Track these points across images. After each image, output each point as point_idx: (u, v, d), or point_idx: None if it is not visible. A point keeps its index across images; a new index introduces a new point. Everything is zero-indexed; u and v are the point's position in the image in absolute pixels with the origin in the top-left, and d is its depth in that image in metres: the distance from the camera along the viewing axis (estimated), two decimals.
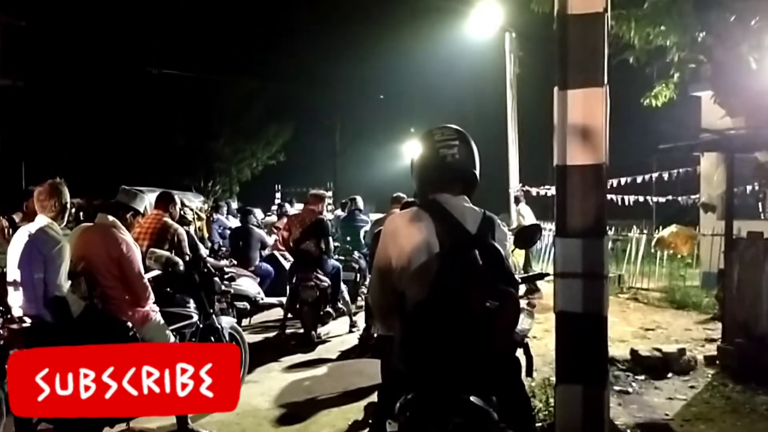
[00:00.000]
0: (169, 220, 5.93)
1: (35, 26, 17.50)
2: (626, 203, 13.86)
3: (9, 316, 3.94)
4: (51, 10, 18.80)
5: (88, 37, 19.92)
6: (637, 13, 6.98)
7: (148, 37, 20.78)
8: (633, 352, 6.25)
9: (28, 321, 3.88)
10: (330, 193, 28.00)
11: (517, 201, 11.98)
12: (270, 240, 9.74)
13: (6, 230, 6.32)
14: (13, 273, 4.00)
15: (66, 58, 19.66)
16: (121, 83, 21.05)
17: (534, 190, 14.43)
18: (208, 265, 5.36)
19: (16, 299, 3.98)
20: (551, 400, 4.43)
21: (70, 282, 4.04)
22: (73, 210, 6.98)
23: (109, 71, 20.67)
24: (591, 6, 3.53)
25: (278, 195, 23.58)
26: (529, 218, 11.27)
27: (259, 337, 7.82)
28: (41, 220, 4.04)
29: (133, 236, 5.25)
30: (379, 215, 10.03)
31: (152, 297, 4.44)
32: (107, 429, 4.14)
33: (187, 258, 5.52)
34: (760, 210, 12.21)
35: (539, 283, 10.03)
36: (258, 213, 11.26)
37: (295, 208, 12.14)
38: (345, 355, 7.08)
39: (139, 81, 21.05)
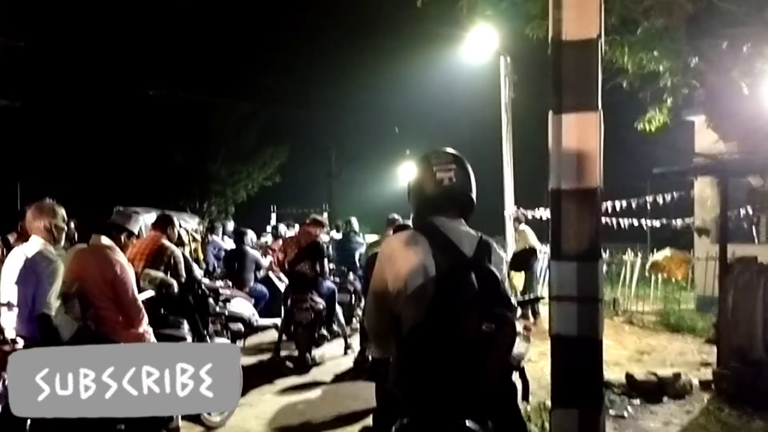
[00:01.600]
0: (167, 242, 5.91)
1: (33, 47, 17.60)
2: (621, 227, 13.88)
3: (2, 337, 3.91)
4: (49, 31, 18.93)
5: (85, 57, 20.04)
6: (631, 39, 7.06)
7: (145, 58, 20.92)
8: (628, 376, 6.23)
9: (21, 342, 3.85)
10: (325, 215, 28.02)
11: (518, 221, 11.89)
12: (265, 262, 9.72)
13: (1, 250, 6.30)
14: (6, 294, 3.98)
15: (63, 79, 19.75)
16: (117, 104, 21.14)
17: (529, 213, 14.44)
18: (203, 286, 5.35)
19: (9, 320, 3.95)
20: (547, 424, 4.41)
21: (60, 302, 4.02)
22: (73, 227, 6.95)
23: (106, 92, 20.76)
24: (585, 32, 3.57)
25: (273, 216, 23.57)
26: (532, 238, 11.16)
27: (253, 360, 7.77)
28: (36, 242, 4.03)
29: (129, 257, 5.24)
30: (375, 237, 10.03)
31: (146, 319, 4.42)
32: None
33: (183, 280, 5.50)
34: (754, 234, 12.27)
35: (540, 307, 10.04)
36: (251, 234, 11.26)
37: (293, 231, 12.12)
38: (340, 377, 7.04)
39: (135, 102, 21.13)
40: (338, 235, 11.73)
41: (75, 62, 19.83)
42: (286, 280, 8.21)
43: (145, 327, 4.40)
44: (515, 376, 2.63)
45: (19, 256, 4.02)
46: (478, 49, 12.83)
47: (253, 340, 8.52)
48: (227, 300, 6.17)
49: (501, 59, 13.28)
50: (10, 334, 3.91)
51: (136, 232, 4.67)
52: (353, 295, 9.46)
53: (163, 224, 6.09)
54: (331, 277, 8.74)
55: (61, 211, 4.13)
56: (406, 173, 22.93)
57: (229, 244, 11.78)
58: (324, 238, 9.48)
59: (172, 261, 5.71)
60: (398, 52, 24.22)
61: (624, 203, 13.88)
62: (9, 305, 3.95)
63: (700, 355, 7.98)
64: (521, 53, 12.65)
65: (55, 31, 19.23)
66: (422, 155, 2.66)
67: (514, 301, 2.63)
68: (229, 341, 6.15)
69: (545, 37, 3.74)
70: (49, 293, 3.93)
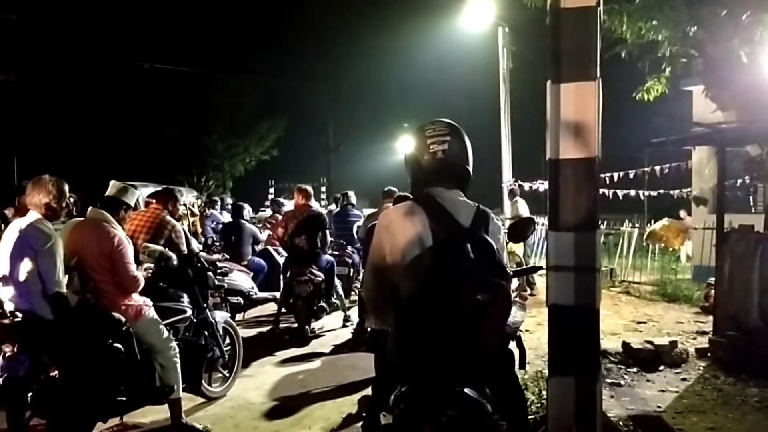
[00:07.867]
0: (168, 216, 5.90)
1: (28, 20, 17.37)
2: (618, 197, 13.91)
3: (1, 311, 3.93)
4: (43, 4, 18.68)
5: (81, 31, 19.82)
6: (630, 7, 7.00)
7: (142, 33, 20.70)
8: (625, 344, 6.29)
9: (19, 315, 3.87)
10: (323, 189, 27.99)
11: (513, 194, 11.91)
12: (263, 235, 9.72)
13: None
14: (3, 268, 3.98)
15: (59, 53, 19.55)
16: (114, 78, 20.97)
17: (527, 185, 14.44)
18: (202, 259, 5.35)
19: (7, 294, 3.96)
20: (544, 393, 4.46)
21: (67, 277, 4.03)
22: (72, 201, 6.92)
23: (103, 66, 20.58)
24: (583, 0, 3.53)
25: (272, 190, 23.56)
26: (525, 211, 11.19)
27: (253, 332, 7.83)
28: (32, 216, 4.02)
29: (130, 231, 5.23)
30: (372, 210, 10.05)
31: (142, 282, 4.40)
32: (100, 424, 4.16)
33: (183, 254, 5.50)
34: (751, 203, 12.29)
35: (535, 277, 10.10)
36: (248, 208, 11.23)
37: (291, 204, 12.10)
38: (338, 349, 7.10)
39: (132, 76, 20.95)
40: (336, 209, 11.73)
41: (71, 36, 19.61)
42: (285, 254, 8.23)
43: (144, 299, 4.42)
44: (512, 345, 2.65)
45: (15, 230, 4.00)
46: (477, 19, 12.73)
47: (252, 312, 8.58)
48: (226, 273, 6.19)
49: (499, 30, 13.16)
50: (8, 307, 3.93)
51: (133, 205, 4.66)
52: (351, 268, 9.49)
53: (165, 198, 6.06)
54: (329, 250, 8.76)
55: (64, 187, 4.09)
56: (404, 146, 22.94)
57: (227, 218, 11.77)
58: (322, 211, 9.47)
59: (173, 235, 5.70)
60: (396, 24, 24.03)
61: (622, 174, 13.90)
62: (6, 279, 3.95)
63: (696, 324, 8.05)
64: (519, 23, 12.54)
65: (50, 3, 18.97)
66: (418, 127, 2.66)
67: (510, 270, 2.65)
68: (228, 314, 6.18)
69: (544, 6, 3.70)
70: (56, 271, 3.91)
